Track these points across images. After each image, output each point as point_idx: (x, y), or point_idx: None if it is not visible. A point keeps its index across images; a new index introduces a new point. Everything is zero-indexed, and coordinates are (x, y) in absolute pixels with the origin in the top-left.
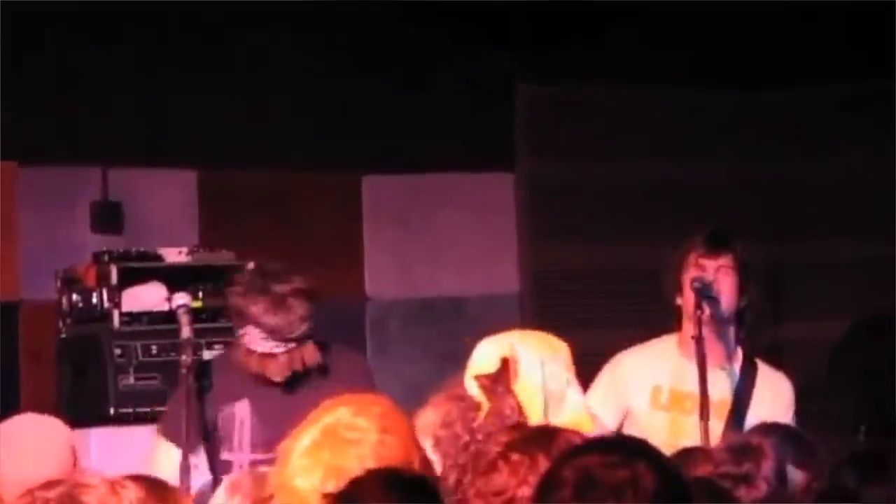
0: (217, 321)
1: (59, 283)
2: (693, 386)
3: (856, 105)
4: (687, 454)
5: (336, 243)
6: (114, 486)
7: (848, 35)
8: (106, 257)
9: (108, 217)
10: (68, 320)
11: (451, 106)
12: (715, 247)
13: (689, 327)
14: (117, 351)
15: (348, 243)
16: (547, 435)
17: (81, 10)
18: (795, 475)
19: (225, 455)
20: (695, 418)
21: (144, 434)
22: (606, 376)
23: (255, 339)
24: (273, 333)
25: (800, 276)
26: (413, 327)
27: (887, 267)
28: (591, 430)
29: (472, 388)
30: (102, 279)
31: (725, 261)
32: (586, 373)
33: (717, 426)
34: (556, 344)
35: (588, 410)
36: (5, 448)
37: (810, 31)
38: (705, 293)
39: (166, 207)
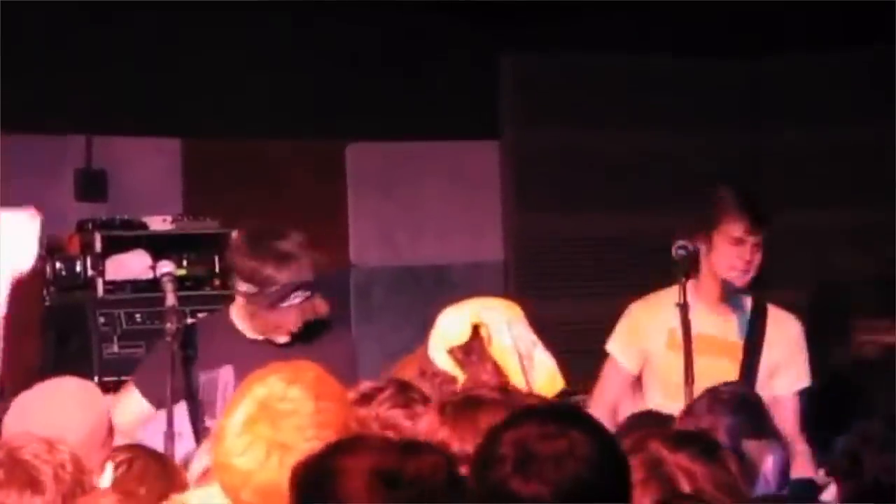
0: (201, 289)
1: (42, 251)
2: (708, 328)
3: (838, 74)
4: (642, 417)
5: (320, 211)
6: (51, 444)
7: (839, 1)
8: (90, 225)
9: (93, 185)
10: (52, 288)
11: (436, 74)
12: (760, 225)
13: (708, 275)
14: (101, 319)
15: (333, 211)
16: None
17: None
18: (751, 448)
19: (208, 422)
20: (710, 359)
21: None
22: (624, 324)
23: (266, 297)
24: (285, 287)
25: (780, 243)
26: (397, 295)
27: (868, 234)
28: (562, 387)
29: (445, 363)
30: (86, 247)
31: (761, 238)
32: (570, 341)
33: (732, 367)
34: (514, 307)
35: (557, 368)
36: (45, 406)
37: None
38: (687, 261)
39: (150, 175)
